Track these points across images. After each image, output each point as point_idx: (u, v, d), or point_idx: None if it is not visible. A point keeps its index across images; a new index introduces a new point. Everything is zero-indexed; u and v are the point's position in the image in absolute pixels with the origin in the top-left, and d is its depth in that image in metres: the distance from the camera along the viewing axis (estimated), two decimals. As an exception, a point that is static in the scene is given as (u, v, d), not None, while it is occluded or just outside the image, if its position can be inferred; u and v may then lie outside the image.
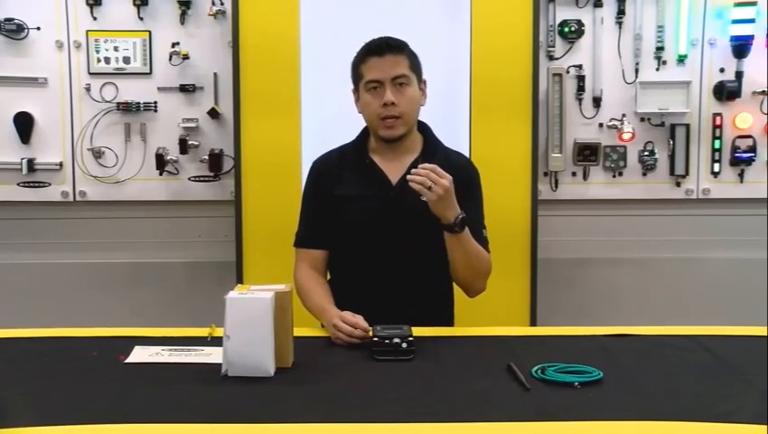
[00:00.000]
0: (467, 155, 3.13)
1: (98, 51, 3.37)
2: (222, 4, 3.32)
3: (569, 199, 3.50)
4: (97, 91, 3.38)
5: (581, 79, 3.43)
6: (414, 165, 2.29)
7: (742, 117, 3.44)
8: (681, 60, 3.42)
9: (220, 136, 3.41)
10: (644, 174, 3.48)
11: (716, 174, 3.49)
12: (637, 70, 3.42)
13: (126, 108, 3.37)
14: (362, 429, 1.56)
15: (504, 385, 1.76)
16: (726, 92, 3.40)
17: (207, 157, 3.38)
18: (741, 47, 3.36)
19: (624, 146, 3.45)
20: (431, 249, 2.30)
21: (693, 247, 3.55)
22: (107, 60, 3.37)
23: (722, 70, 3.43)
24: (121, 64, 3.38)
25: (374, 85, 2.26)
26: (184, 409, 1.64)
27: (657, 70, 3.44)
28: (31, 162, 3.39)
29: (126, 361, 1.92)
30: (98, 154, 3.41)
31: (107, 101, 3.39)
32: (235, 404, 1.66)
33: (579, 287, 3.56)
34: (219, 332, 1.93)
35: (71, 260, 3.50)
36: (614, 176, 3.49)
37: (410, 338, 1.95)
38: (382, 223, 2.29)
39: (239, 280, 3.16)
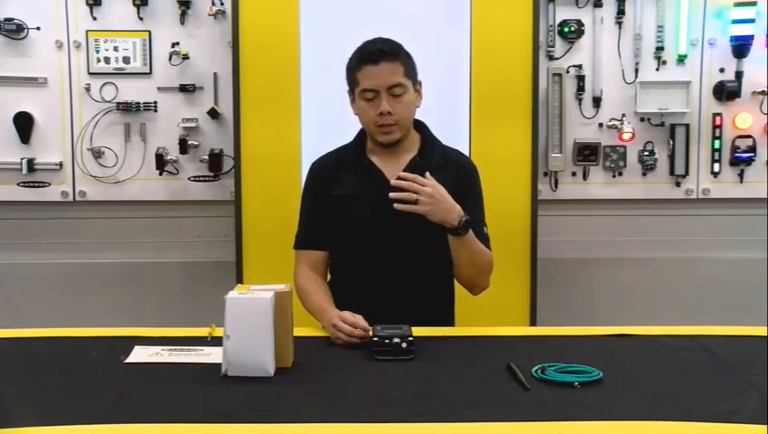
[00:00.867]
0: (467, 154, 3.13)
1: (97, 51, 3.37)
2: (222, 4, 3.32)
3: (569, 199, 3.50)
4: (97, 91, 3.38)
5: (581, 79, 3.43)
6: (412, 163, 2.31)
7: (742, 117, 3.44)
8: (681, 60, 3.42)
9: (219, 136, 3.41)
10: (644, 174, 3.48)
11: (715, 174, 3.49)
12: (637, 70, 3.42)
13: (126, 108, 3.37)
14: (362, 429, 1.56)
15: (504, 385, 1.76)
16: (726, 92, 3.40)
17: (207, 157, 3.38)
18: (741, 47, 3.36)
19: (624, 146, 3.46)
20: (430, 248, 2.30)
21: (693, 247, 3.55)
22: (107, 60, 3.37)
23: (722, 70, 3.43)
24: (121, 64, 3.38)
25: (370, 95, 2.25)
26: (184, 409, 1.64)
27: (657, 70, 3.44)
28: (31, 162, 3.39)
29: (126, 361, 1.92)
30: (97, 154, 3.41)
31: (106, 101, 3.39)
32: (235, 404, 1.66)
33: (579, 286, 3.56)
34: (218, 332, 1.93)
35: (71, 260, 3.50)
36: (614, 176, 3.49)
37: (410, 338, 1.95)
38: (381, 222, 2.29)
39: (239, 280, 3.16)
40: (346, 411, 1.62)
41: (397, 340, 1.94)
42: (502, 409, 1.64)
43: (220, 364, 1.82)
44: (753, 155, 3.45)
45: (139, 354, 1.96)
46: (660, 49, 3.42)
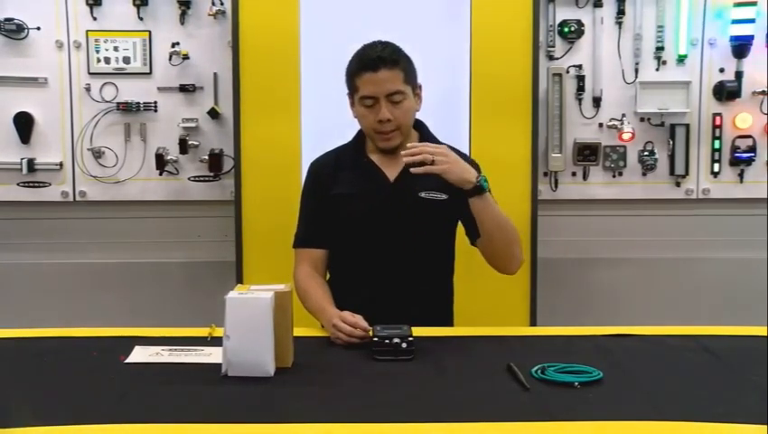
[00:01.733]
0: (467, 154, 3.13)
1: (97, 51, 3.37)
2: (222, 4, 3.32)
3: (569, 199, 3.50)
4: (97, 91, 3.38)
5: (581, 79, 3.43)
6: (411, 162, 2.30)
7: (742, 117, 3.44)
8: (681, 60, 3.42)
9: (219, 136, 3.41)
10: (644, 174, 3.48)
11: (715, 174, 3.49)
12: (637, 70, 3.42)
13: (126, 108, 3.37)
14: (362, 429, 1.56)
15: (504, 385, 1.76)
16: (726, 92, 3.40)
17: (207, 157, 3.38)
18: (741, 47, 3.36)
19: (624, 146, 3.46)
20: (430, 247, 2.30)
21: (693, 247, 3.55)
22: (107, 60, 3.37)
23: (722, 70, 3.43)
24: (121, 64, 3.38)
25: (369, 102, 2.24)
26: (184, 409, 1.64)
27: (657, 70, 3.44)
28: (31, 162, 3.39)
29: (126, 361, 1.92)
30: (97, 154, 3.41)
31: (106, 101, 3.39)
32: (235, 404, 1.66)
33: (579, 287, 3.56)
34: (219, 332, 1.93)
35: (71, 260, 3.50)
36: (614, 176, 3.49)
37: (410, 338, 1.95)
38: (381, 221, 2.29)
39: (239, 280, 3.16)
40: (346, 411, 1.62)
41: (397, 340, 1.94)
42: (502, 409, 1.64)
43: (220, 364, 1.82)
44: (753, 155, 3.45)
45: (139, 354, 1.96)
46: (660, 49, 3.42)
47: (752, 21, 3.34)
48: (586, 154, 3.44)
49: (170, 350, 1.98)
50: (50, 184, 3.43)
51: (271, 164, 3.21)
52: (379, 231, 2.30)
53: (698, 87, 3.44)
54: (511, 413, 1.61)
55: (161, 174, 3.39)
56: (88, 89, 3.38)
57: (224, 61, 3.32)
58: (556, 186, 3.48)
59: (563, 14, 3.40)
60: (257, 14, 3.17)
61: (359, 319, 2.07)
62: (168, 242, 3.51)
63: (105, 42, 3.37)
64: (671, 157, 3.47)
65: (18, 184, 3.42)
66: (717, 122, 3.46)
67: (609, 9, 3.41)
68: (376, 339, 1.95)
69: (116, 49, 3.37)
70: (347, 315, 2.09)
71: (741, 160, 3.46)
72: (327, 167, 2.39)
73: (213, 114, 3.36)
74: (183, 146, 3.35)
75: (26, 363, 1.92)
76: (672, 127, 3.46)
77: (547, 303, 3.34)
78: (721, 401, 1.66)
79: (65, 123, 3.40)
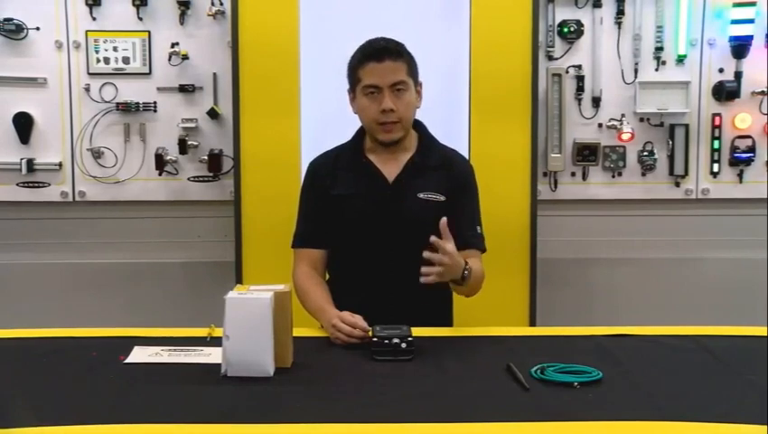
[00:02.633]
0: (467, 155, 3.13)
1: (97, 52, 3.37)
2: (222, 4, 3.32)
3: (568, 199, 3.50)
4: (96, 91, 3.38)
5: (580, 79, 3.43)
6: (410, 163, 2.32)
7: (741, 118, 3.44)
8: (680, 60, 3.42)
9: (219, 136, 3.41)
10: (643, 175, 3.48)
11: (715, 175, 3.49)
12: (636, 71, 3.43)
13: (126, 108, 3.37)
14: (362, 429, 1.56)
15: (504, 385, 1.76)
16: (726, 92, 3.40)
17: (206, 157, 3.38)
18: (740, 47, 3.36)
19: (624, 147, 3.46)
20: (429, 247, 2.30)
21: (692, 247, 3.56)
22: (107, 60, 3.37)
23: (721, 71, 3.43)
24: (120, 64, 3.38)
25: (372, 90, 2.25)
26: (184, 409, 1.64)
27: (656, 70, 3.44)
28: (30, 162, 3.39)
29: (126, 361, 1.92)
30: (97, 154, 3.41)
31: (106, 101, 3.39)
32: (234, 404, 1.66)
33: (578, 287, 3.56)
34: (218, 332, 1.93)
35: (71, 260, 3.49)
36: (614, 176, 3.49)
37: (410, 338, 1.95)
38: (380, 221, 2.30)
39: (239, 280, 3.16)
40: (346, 411, 1.62)
41: (396, 340, 1.94)
42: (502, 409, 1.64)
43: (219, 365, 1.82)
44: (752, 155, 3.45)
45: (139, 355, 1.96)
46: (659, 49, 3.42)
47: (751, 21, 3.34)
48: (586, 154, 3.45)
49: (169, 350, 1.98)
50: (49, 185, 3.43)
51: (271, 164, 3.21)
52: (378, 231, 2.30)
53: (698, 87, 3.44)
54: (511, 413, 1.61)
55: (160, 175, 3.39)
56: (87, 90, 3.38)
57: (224, 62, 3.32)
58: (555, 186, 3.48)
59: (562, 14, 3.40)
60: (257, 14, 3.17)
61: (358, 319, 2.07)
62: (168, 242, 3.51)
63: (104, 42, 3.36)
64: (671, 157, 3.47)
65: (18, 185, 3.42)
66: (717, 122, 3.46)
67: (608, 9, 3.41)
68: (375, 339, 1.95)
69: (115, 49, 3.37)
70: (346, 315, 2.09)
71: (740, 160, 3.46)
72: (326, 167, 2.39)
73: (213, 114, 3.36)
74: (183, 147, 3.35)
75: (26, 363, 1.92)
76: (672, 127, 3.46)
77: (547, 303, 3.34)
78: (721, 401, 1.66)
79: (65, 123, 3.40)
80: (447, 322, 2.42)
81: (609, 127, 3.44)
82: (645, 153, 3.45)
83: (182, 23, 3.36)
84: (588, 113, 3.45)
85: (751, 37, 3.35)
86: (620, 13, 3.40)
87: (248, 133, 3.21)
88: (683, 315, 3.22)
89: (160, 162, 3.35)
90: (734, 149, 3.46)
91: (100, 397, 1.70)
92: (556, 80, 3.38)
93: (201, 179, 3.44)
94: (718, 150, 3.47)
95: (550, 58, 3.41)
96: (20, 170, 3.38)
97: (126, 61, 3.38)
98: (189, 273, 3.51)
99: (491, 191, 3.07)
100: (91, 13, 3.35)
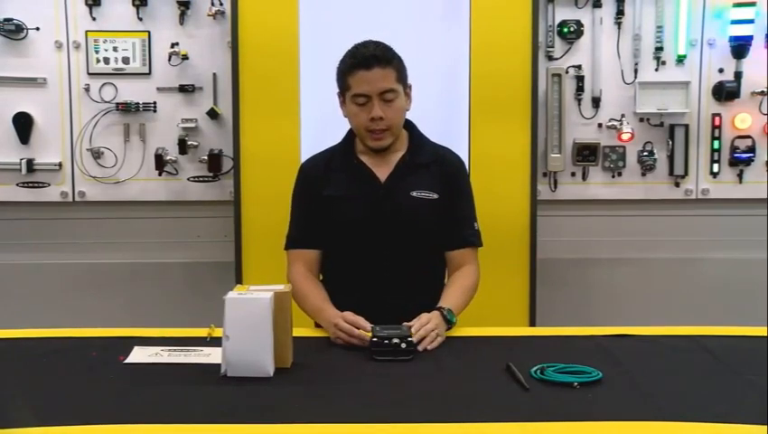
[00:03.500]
0: (467, 155, 3.14)
1: (97, 52, 3.37)
2: (221, 4, 3.32)
3: (568, 199, 3.50)
4: (96, 92, 3.38)
5: (580, 79, 3.43)
6: (401, 162, 2.32)
7: (741, 118, 3.44)
8: (680, 60, 3.43)
9: (219, 136, 3.41)
10: (643, 175, 3.48)
11: (715, 175, 3.49)
12: (636, 71, 3.43)
13: (126, 108, 3.37)
14: (362, 430, 1.56)
15: (504, 385, 1.76)
16: (725, 93, 3.40)
17: (206, 158, 3.38)
18: (740, 47, 3.36)
19: (623, 147, 3.46)
20: (423, 245, 2.32)
21: (692, 247, 3.56)
22: (107, 60, 3.37)
23: (721, 71, 3.43)
24: (120, 64, 3.38)
25: (362, 100, 2.25)
26: (184, 409, 1.64)
27: (656, 70, 3.44)
28: (30, 162, 3.39)
29: (126, 361, 1.92)
30: (97, 154, 3.41)
31: (106, 102, 3.39)
32: (234, 404, 1.66)
33: (578, 287, 3.56)
34: (218, 332, 1.93)
35: (71, 260, 3.50)
36: (613, 177, 3.49)
37: (410, 338, 1.95)
38: (374, 221, 2.30)
39: (239, 280, 3.16)
40: (346, 411, 1.62)
41: (396, 340, 1.94)
42: (502, 409, 1.64)
43: (219, 365, 1.82)
44: (752, 155, 3.45)
45: (139, 355, 1.96)
46: (659, 49, 3.42)
47: (751, 21, 3.34)
48: (586, 154, 3.45)
49: (169, 350, 1.98)
50: (49, 185, 3.43)
51: (270, 164, 3.20)
52: (373, 231, 2.31)
53: (698, 87, 3.44)
54: (511, 413, 1.61)
55: (160, 175, 3.39)
56: (87, 90, 3.38)
57: (223, 62, 3.32)
58: (555, 186, 3.48)
59: (562, 14, 3.40)
60: (257, 14, 3.18)
61: (360, 319, 2.07)
62: (167, 243, 3.51)
63: (104, 42, 3.37)
64: (671, 158, 3.47)
65: (17, 185, 3.42)
66: (717, 122, 3.46)
67: (608, 9, 3.41)
68: (375, 339, 1.95)
69: (115, 49, 3.37)
70: (348, 315, 2.09)
71: (740, 160, 3.46)
72: (317, 169, 2.40)
73: (212, 114, 3.36)
74: (183, 147, 3.36)
75: (26, 363, 1.92)
76: (671, 127, 3.46)
77: (547, 303, 3.34)
78: (721, 401, 1.66)
79: (64, 123, 3.40)
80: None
81: (609, 127, 3.45)
82: (645, 153, 3.45)
83: (181, 24, 3.36)
84: (588, 113, 3.45)
85: (751, 37, 3.35)
86: (620, 13, 3.40)
87: (247, 133, 3.21)
88: (683, 315, 3.24)
89: (160, 162, 3.35)
90: (733, 149, 3.46)
91: (100, 397, 1.70)
92: (555, 81, 3.38)
93: (200, 179, 3.44)
94: (718, 150, 3.48)
95: (550, 58, 3.41)
96: (20, 170, 3.38)
97: (125, 61, 3.38)
98: (189, 273, 3.51)
99: (491, 191, 3.07)
100: (91, 13, 3.35)
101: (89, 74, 3.38)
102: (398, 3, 3.22)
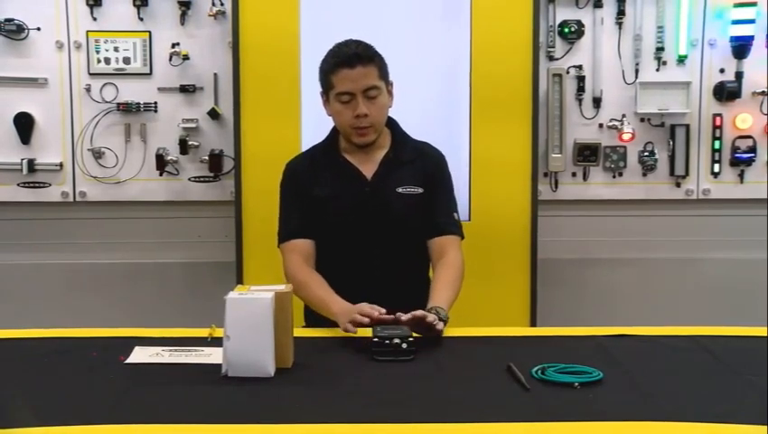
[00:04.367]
0: (467, 155, 3.14)
1: (98, 52, 3.37)
2: (222, 4, 3.32)
3: (569, 199, 3.50)
4: (97, 92, 3.38)
5: (581, 79, 3.43)
6: (386, 159, 2.37)
7: (742, 118, 3.44)
8: (681, 60, 3.42)
9: (219, 136, 3.41)
10: (644, 175, 3.48)
11: (716, 175, 3.49)
12: (637, 71, 3.42)
13: (126, 108, 3.37)
14: (362, 430, 1.56)
15: (504, 385, 1.76)
16: (726, 93, 3.40)
17: (207, 158, 3.38)
18: (741, 48, 3.36)
19: (624, 147, 3.46)
20: (410, 239, 2.35)
21: (693, 247, 3.55)
22: (108, 60, 3.38)
23: (722, 71, 3.43)
24: (121, 65, 3.38)
25: (346, 98, 2.29)
26: (184, 409, 1.64)
27: (657, 70, 3.44)
28: (31, 162, 3.39)
29: (126, 361, 1.92)
30: (98, 154, 3.41)
31: (107, 102, 3.39)
32: (235, 404, 1.66)
33: (579, 287, 3.56)
34: (219, 332, 1.93)
35: (71, 261, 3.50)
36: (614, 177, 3.49)
37: (410, 338, 1.95)
38: (362, 219, 2.34)
39: (239, 281, 3.16)
40: (346, 412, 1.62)
41: (397, 340, 1.93)
42: (502, 409, 1.64)
43: (220, 365, 1.82)
44: (753, 155, 3.45)
45: (139, 355, 1.96)
46: (660, 49, 3.42)
47: (752, 21, 3.34)
48: (586, 154, 3.45)
49: (170, 350, 1.98)
50: (50, 185, 3.43)
51: (271, 164, 3.16)
52: (361, 228, 2.35)
53: (699, 87, 3.44)
54: (511, 414, 1.61)
55: (161, 175, 3.39)
56: (88, 90, 3.38)
57: (224, 62, 3.32)
58: (556, 187, 3.48)
59: (563, 14, 3.40)
60: (257, 14, 3.18)
61: (374, 312, 2.05)
62: (168, 243, 3.51)
63: (105, 42, 3.37)
64: (671, 158, 3.47)
65: (18, 185, 3.42)
66: (717, 122, 3.46)
67: (609, 9, 3.41)
68: (376, 339, 1.95)
69: (116, 49, 3.37)
70: (365, 306, 2.08)
71: (741, 160, 3.46)
72: (303, 166, 2.45)
73: (213, 114, 3.36)
74: (184, 147, 3.36)
75: (26, 363, 1.92)
76: (672, 127, 3.46)
77: (547, 303, 3.34)
78: (721, 401, 1.66)
79: (65, 123, 3.41)
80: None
81: (610, 127, 3.44)
82: (646, 153, 3.45)
83: (182, 24, 3.36)
84: (589, 113, 3.45)
85: (752, 37, 3.35)
86: (620, 13, 3.40)
87: (248, 133, 3.21)
88: (683, 315, 3.24)
89: (161, 162, 3.35)
90: (734, 149, 3.46)
91: (100, 397, 1.69)
92: (556, 81, 3.38)
93: (201, 179, 3.44)
94: (719, 150, 3.47)
95: (551, 58, 3.41)
96: (21, 170, 3.39)
97: (126, 61, 3.38)
98: (189, 273, 3.51)
99: (491, 191, 3.08)
100: (92, 13, 3.35)
101: (90, 74, 3.38)
102: (399, 3, 3.22)
